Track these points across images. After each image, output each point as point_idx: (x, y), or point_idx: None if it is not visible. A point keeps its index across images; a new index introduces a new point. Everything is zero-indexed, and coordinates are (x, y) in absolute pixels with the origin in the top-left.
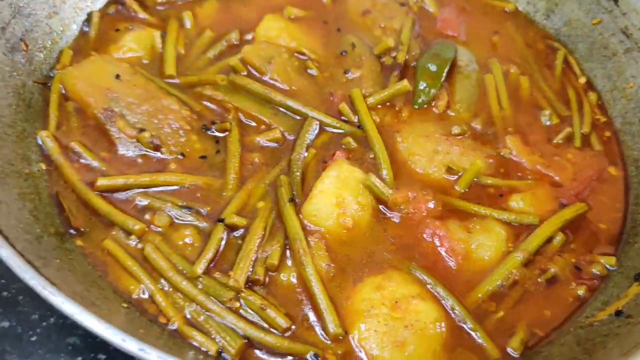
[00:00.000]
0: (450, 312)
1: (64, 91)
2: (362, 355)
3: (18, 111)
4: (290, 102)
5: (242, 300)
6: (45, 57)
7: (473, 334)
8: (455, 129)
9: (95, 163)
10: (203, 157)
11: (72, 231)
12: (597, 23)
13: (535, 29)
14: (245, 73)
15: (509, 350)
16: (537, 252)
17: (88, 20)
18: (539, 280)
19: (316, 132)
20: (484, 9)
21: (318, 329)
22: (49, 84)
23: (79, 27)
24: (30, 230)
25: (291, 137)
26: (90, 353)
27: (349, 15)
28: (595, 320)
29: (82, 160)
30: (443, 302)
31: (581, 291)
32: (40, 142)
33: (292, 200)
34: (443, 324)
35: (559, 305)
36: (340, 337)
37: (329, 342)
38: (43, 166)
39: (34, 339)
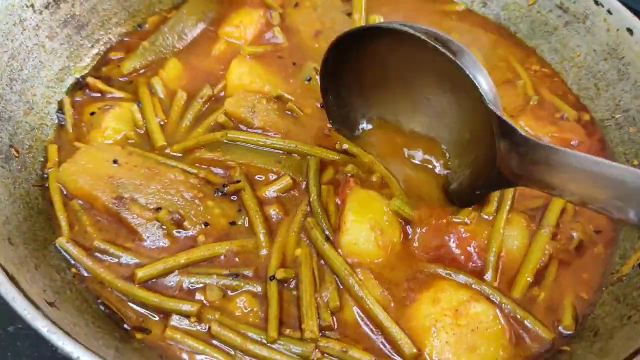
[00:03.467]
0: (501, 306)
1: (64, 190)
2: None
3: (33, 222)
4: (295, 144)
5: (322, 350)
6: (35, 157)
7: (525, 322)
8: None
9: (124, 255)
10: (232, 223)
11: (132, 330)
12: (533, 3)
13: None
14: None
15: (560, 329)
16: (557, 224)
17: (60, 109)
18: (570, 248)
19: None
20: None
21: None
22: (46, 185)
23: (54, 118)
24: (108, 344)
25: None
26: None
27: (302, 41)
28: (622, 275)
29: (110, 258)
30: (492, 298)
31: (599, 249)
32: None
33: (328, 239)
34: (501, 319)
35: (591, 268)
36: (418, 358)
37: None
38: (75, 271)
39: None
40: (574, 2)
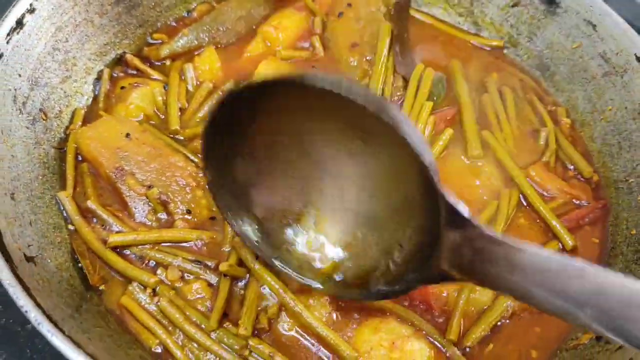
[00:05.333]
0: (443, 349)
1: (78, 152)
2: None
3: (44, 180)
4: None
5: (252, 349)
6: (62, 122)
7: None
8: None
9: (111, 221)
10: (212, 218)
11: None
12: (577, 47)
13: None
14: None
15: None
16: None
17: (98, 79)
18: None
19: None
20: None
21: None
22: (64, 149)
23: (91, 87)
24: (70, 303)
25: None
26: None
27: (339, 52)
28: (578, 343)
29: (98, 220)
30: (433, 341)
31: None
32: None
33: (257, 257)
34: None
35: (550, 329)
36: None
37: None
38: (71, 227)
39: None
40: (616, 53)
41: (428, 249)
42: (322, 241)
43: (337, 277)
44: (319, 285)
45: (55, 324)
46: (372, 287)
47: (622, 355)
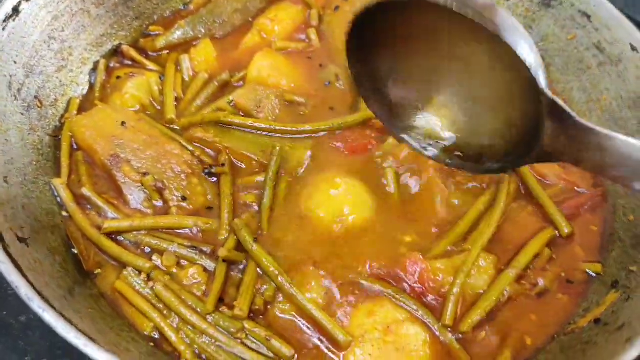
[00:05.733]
0: (438, 334)
1: (73, 140)
2: None
3: (39, 166)
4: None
5: (247, 333)
6: (57, 110)
7: (458, 355)
8: None
9: (106, 208)
10: (210, 208)
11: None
12: (572, 38)
13: None
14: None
15: None
16: (526, 268)
17: (94, 69)
18: (531, 294)
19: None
20: None
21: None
22: (59, 137)
23: (86, 77)
24: (62, 285)
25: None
26: None
27: (335, 44)
28: (577, 327)
29: (93, 207)
30: (428, 324)
31: (565, 299)
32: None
33: (256, 239)
34: (429, 347)
35: (547, 315)
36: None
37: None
38: (64, 214)
39: None
40: (611, 43)
41: (533, 132)
42: (443, 122)
43: (456, 153)
44: (440, 156)
45: (47, 301)
46: (485, 162)
47: (620, 336)
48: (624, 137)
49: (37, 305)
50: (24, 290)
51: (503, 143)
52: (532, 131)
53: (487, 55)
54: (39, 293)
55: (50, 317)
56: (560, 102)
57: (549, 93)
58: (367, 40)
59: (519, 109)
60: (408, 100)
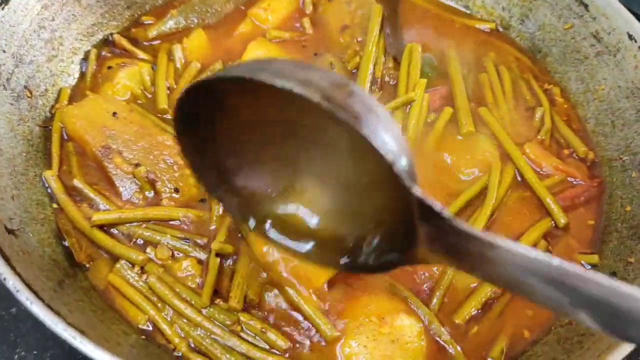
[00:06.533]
0: (429, 327)
1: (64, 131)
2: None
3: (28, 157)
4: None
5: (243, 325)
6: (48, 101)
7: (448, 347)
8: None
9: (98, 200)
10: (202, 200)
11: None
12: (569, 28)
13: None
14: None
15: None
16: None
17: (85, 59)
18: None
19: None
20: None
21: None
22: (50, 127)
23: (77, 67)
24: (52, 277)
25: None
26: None
27: (329, 34)
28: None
29: (85, 199)
30: (422, 317)
31: None
32: (45, 183)
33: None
34: (424, 338)
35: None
36: (338, 340)
37: None
38: (55, 206)
39: None
40: (609, 32)
41: (408, 235)
42: (304, 212)
43: (318, 248)
44: (303, 250)
45: (35, 293)
46: (357, 260)
47: None
48: (510, 244)
49: (24, 296)
50: (12, 282)
51: (377, 242)
52: (409, 231)
53: (348, 142)
54: (27, 284)
55: (38, 309)
56: (432, 201)
57: (417, 191)
58: (198, 124)
59: (388, 208)
60: (264, 191)
